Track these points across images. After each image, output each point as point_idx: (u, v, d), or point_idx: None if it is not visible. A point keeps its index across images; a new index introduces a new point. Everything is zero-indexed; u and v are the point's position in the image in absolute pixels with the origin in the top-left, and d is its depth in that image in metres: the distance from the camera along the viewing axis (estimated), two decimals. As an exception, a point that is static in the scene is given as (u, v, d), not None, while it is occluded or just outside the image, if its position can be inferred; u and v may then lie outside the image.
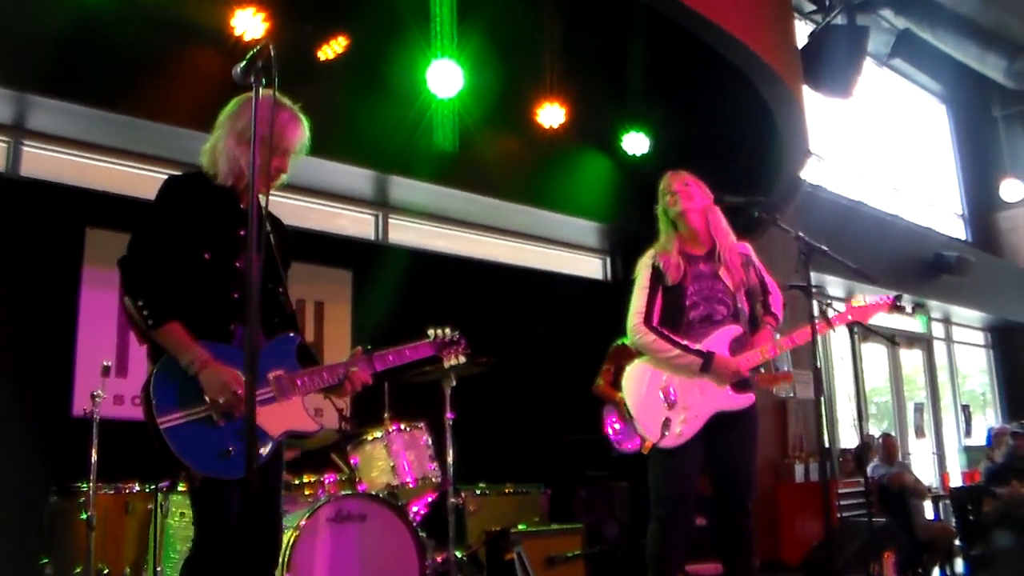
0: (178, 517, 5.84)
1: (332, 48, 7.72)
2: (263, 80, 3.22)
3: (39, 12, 6.72)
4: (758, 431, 5.01)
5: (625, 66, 8.80)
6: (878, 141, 15.84)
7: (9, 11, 6.60)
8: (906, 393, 15.65)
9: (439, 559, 5.87)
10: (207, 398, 3.44)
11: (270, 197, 3.43)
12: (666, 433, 4.71)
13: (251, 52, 3.21)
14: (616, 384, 7.41)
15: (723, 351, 4.85)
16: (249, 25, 7.17)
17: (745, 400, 4.90)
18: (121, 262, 3.61)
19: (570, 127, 8.92)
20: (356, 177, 8.61)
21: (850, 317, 5.13)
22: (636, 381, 4.95)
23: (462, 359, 4.63)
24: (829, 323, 5.11)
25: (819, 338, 5.00)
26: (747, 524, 4.87)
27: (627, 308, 5.08)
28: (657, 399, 4.81)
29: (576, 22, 8.41)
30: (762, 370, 5.52)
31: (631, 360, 5.06)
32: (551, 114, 8.73)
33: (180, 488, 5.78)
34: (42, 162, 7.59)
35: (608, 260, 11.08)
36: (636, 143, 9.47)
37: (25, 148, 7.53)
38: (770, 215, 5.23)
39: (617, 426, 7.56)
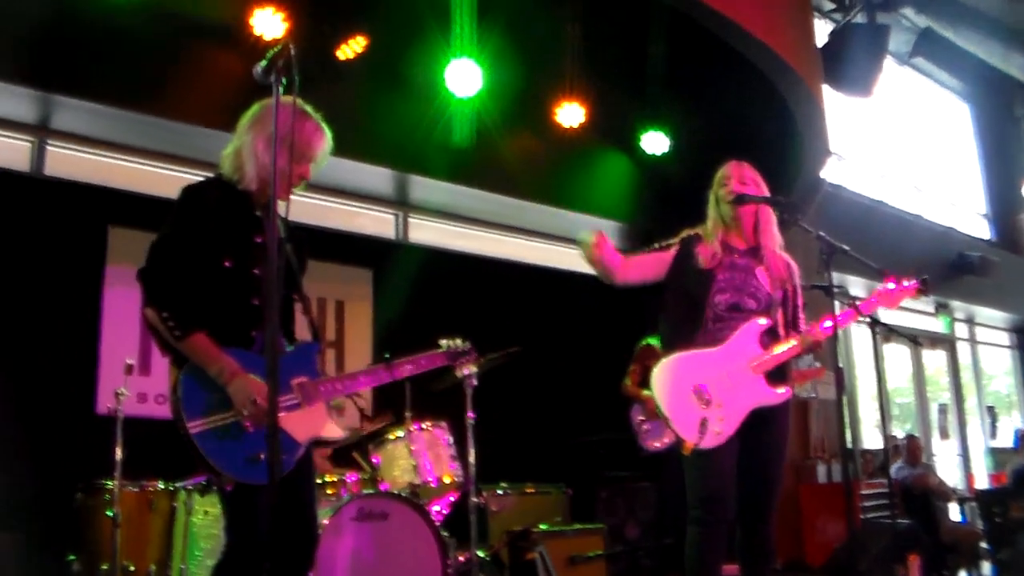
0: (202, 515, 5.86)
1: (351, 47, 7.74)
2: (283, 79, 3.23)
3: (61, 13, 6.77)
4: (790, 434, 4.96)
5: (645, 65, 8.78)
6: (899, 140, 15.76)
7: (32, 12, 6.66)
8: (929, 394, 15.59)
9: (461, 558, 5.88)
10: (236, 405, 3.46)
11: (291, 196, 3.43)
12: (704, 434, 4.63)
13: (271, 52, 3.22)
14: (644, 384, 7.42)
15: (752, 342, 4.79)
16: (268, 25, 7.21)
17: (780, 395, 4.79)
18: (142, 273, 3.61)
19: (589, 126, 8.92)
20: (376, 176, 8.65)
21: (877, 302, 5.05)
22: (665, 382, 4.82)
23: (473, 369, 4.67)
24: (857, 310, 5.02)
25: (840, 338, 4.97)
26: (768, 531, 4.83)
27: (649, 308, 5.07)
28: (690, 398, 4.71)
29: (596, 21, 8.39)
30: (795, 367, 5.44)
31: (657, 360, 4.99)
32: (570, 113, 8.73)
33: (202, 487, 5.81)
34: (66, 161, 7.67)
35: (629, 260, 11.05)
36: (655, 142, 9.45)
37: (49, 148, 7.60)
38: (791, 215, 5.18)
39: (645, 426, 7.54)
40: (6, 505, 6.30)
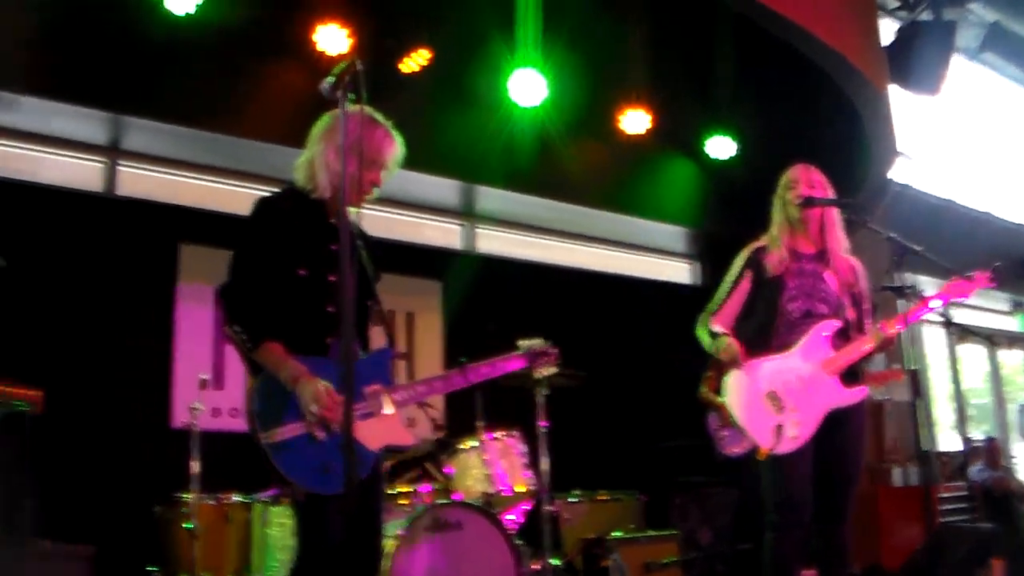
0: (278, 527, 5.91)
1: (415, 60, 7.79)
2: (351, 95, 3.25)
3: (128, 35, 6.89)
4: (867, 435, 4.89)
5: (709, 70, 8.74)
6: (968, 137, 15.51)
7: (100, 34, 6.79)
8: (1007, 394, 15.30)
9: (535, 567, 5.87)
10: (302, 410, 3.48)
11: (358, 211, 3.46)
12: (779, 439, 4.58)
13: (339, 67, 3.24)
14: (719, 390, 7.35)
15: (823, 344, 4.74)
16: (332, 40, 7.30)
17: (855, 395, 4.73)
18: (220, 290, 3.70)
19: (654, 132, 8.93)
20: (442, 187, 8.69)
21: (949, 294, 4.95)
22: (738, 389, 4.81)
23: (553, 369, 4.65)
24: (926, 301, 4.92)
25: (914, 340, 4.88)
26: (845, 534, 4.77)
27: None
28: (764, 405, 4.68)
29: (660, 27, 8.38)
30: (869, 368, 5.36)
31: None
32: (635, 120, 8.75)
33: (278, 499, 5.86)
34: (137, 181, 7.80)
35: (696, 265, 10.99)
36: (721, 147, 9.40)
37: (120, 168, 7.73)
38: (860, 217, 5.14)
39: (723, 432, 7.45)
40: (88, 518, 6.41)
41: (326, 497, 3.42)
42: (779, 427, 4.58)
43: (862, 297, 4.94)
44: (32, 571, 5.42)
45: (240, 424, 6.46)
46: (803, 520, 4.63)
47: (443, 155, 8.10)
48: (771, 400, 4.67)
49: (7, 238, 4.44)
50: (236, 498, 6.19)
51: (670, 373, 8.25)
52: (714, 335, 4.87)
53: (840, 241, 4.95)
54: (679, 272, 11.01)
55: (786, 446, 4.58)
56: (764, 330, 4.81)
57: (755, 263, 4.94)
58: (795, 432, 4.59)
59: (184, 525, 5.96)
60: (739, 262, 5.02)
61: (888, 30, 11.11)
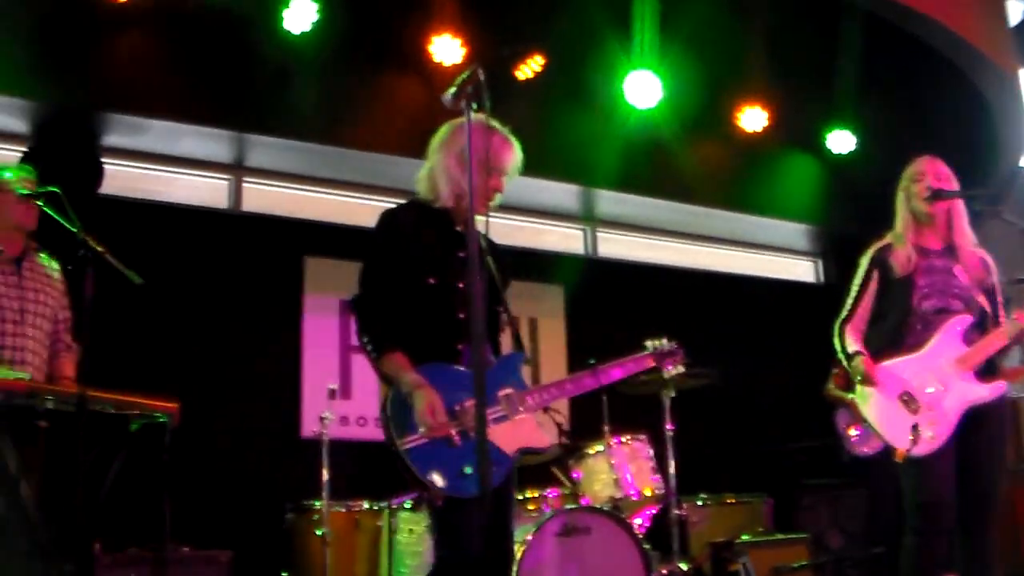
0: (407, 533, 5.98)
1: (529, 67, 7.85)
2: (474, 104, 3.28)
3: (249, 55, 7.10)
4: (1008, 432, 4.75)
5: (828, 63, 8.61)
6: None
7: (222, 56, 7.01)
8: None
9: (664, 571, 5.84)
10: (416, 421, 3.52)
11: (481, 218, 3.48)
12: (916, 440, 4.47)
13: (461, 77, 3.28)
14: (848, 388, 7.23)
15: (957, 340, 4.62)
16: (447, 51, 7.41)
17: (993, 390, 4.57)
18: (351, 303, 3.79)
19: (772, 129, 8.90)
20: (562, 192, 8.70)
21: None
22: (871, 393, 4.72)
23: (680, 368, 4.62)
24: None
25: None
26: (991, 537, 4.62)
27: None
28: (898, 406, 4.58)
29: (778, 22, 8.28)
30: (1007, 364, 5.21)
31: None
32: (753, 117, 8.71)
33: (407, 505, 5.93)
34: (261, 197, 7.99)
35: (819, 263, 10.81)
36: (841, 141, 9.29)
37: (245, 184, 7.92)
38: (991, 208, 5.00)
39: (852, 431, 7.33)
40: (222, 525, 6.56)
41: (464, 501, 3.44)
42: (915, 427, 4.46)
43: (994, 291, 4.81)
44: (173, 574, 5.57)
45: (368, 432, 6.61)
46: (946, 524, 4.48)
47: (561, 160, 8.13)
48: (906, 400, 4.55)
49: (141, 257, 4.56)
50: (365, 505, 6.30)
51: (795, 372, 8.16)
52: (849, 355, 4.78)
53: (968, 235, 4.81)
54: (802, 270, 10.83)
55: (924, 447, 4.45)
56: (897, 330, 4.69)
57: (881, 263, 4.84)
58: (932, 432, 4.47)
59: (315, 532, 6.09)
60: (864, 263, 4.92)
61: (1016, 10, 10.77)
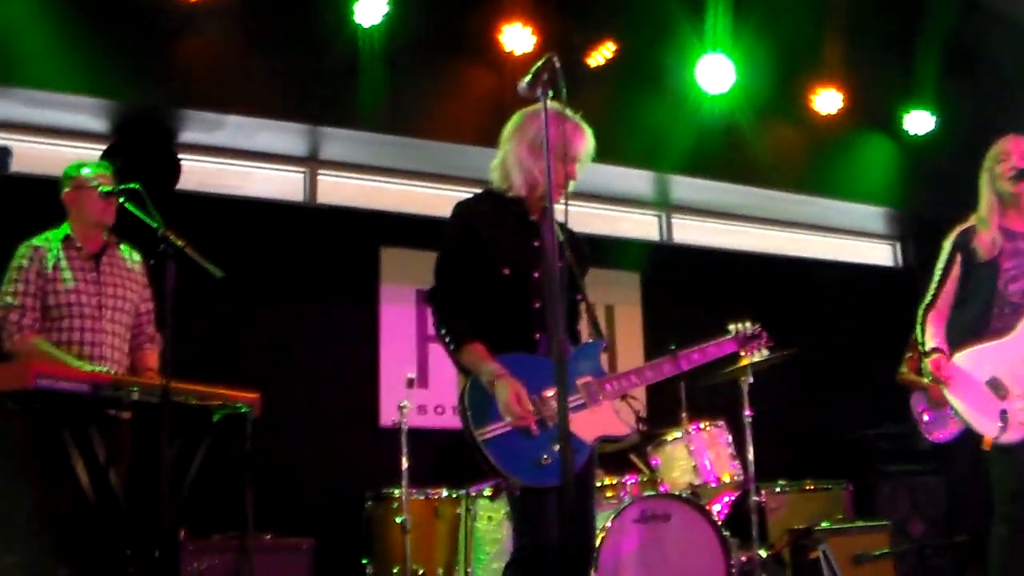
0: (486, 521, 6.01)
1: (601, 53, 7.84)
2: (549, 91, 3.28)
3: (321, 48, 7.19)
4: None
5: (906, 41, 8.49)
6: None
7: (295, 51, 7.11)
8: None
9: (743, 558, 5.81)
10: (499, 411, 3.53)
11: (558, 206, 3.47)
12: (1006, 426, 4.37)
13: (536, 65, 3.28)
14: (922, 372, 7.13)
15: None
16: (518, 40, 7.41)
17: None
18: (427, 295, 3.82)
19: (848, 111, 8.81)
20: (636, 179, 8.66)
21: None
22: (959, 378, 4.61)
23: (764, 353, 4.58)
24: None
25: None
26: None
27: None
28: (985, 392, 4.47)
29: (852, 1, 8.18)
30: None
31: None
32: (828, 99, 8.65)
33: (486, 493, 5.96)
34: (336, 189, 8.07)
35: (898, 246, 10.65)
36: (920, 122, 9.15)
37: (320, 177, 8.00)
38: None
39: (927, 416, 7.24)
40: (303, 513, 6.66)
41: (542, 489, 3.46)
42: (1004, 413, 4.37)
43: None
44: (257, 561, 5.66)
45: (446, 421, 6.66)
46: None
47: (635, 146, 8.09)
48: (994, 386, 4.45)
49: (220, 250, 4.62)
50: (444, 493, 6.35)
51: (874, 357, 8.06)
52: (926, 352, 4.70)
53: None
54: (880, 254, 10.67)
55: (1014, 435, 4.36)
56: (983, 316, 4.59)
57: (964, 246, 4.74)
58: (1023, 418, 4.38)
59: (395, 519, 6.15)
60: (947, 247, 4.82)
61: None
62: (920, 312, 4.80)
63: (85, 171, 4.95)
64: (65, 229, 4.93)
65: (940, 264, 4.81)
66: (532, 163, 3.77)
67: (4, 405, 4.25)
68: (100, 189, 4.82)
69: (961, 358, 4.59)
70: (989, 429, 4.38)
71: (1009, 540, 4.39)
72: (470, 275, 3.74)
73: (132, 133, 7.05)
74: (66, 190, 4.95)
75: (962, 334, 4.64)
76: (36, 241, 4.83)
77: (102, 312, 4.85)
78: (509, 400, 3.47)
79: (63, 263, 4.81)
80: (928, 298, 4.80)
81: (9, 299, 4.65)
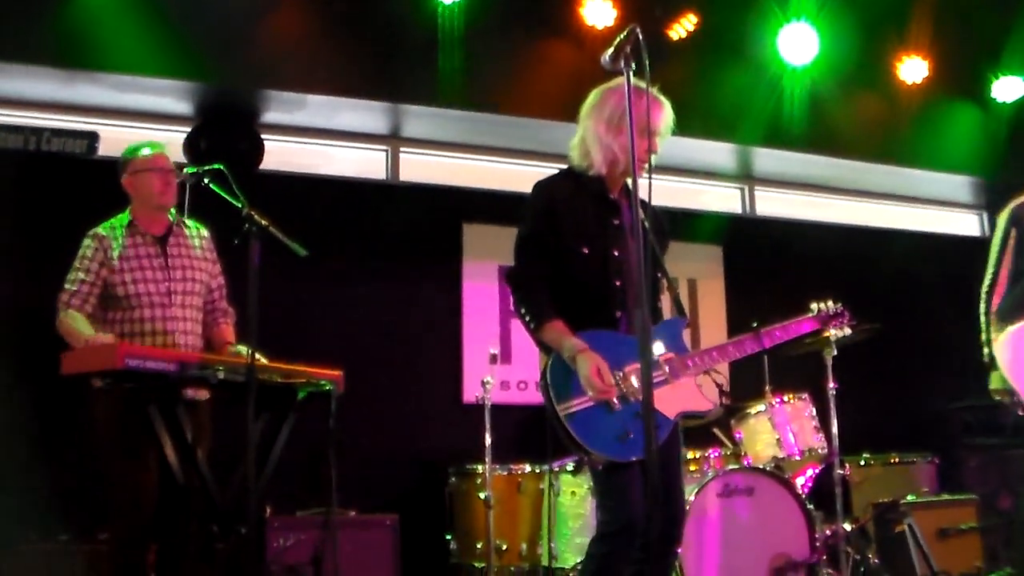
0: (569, 496, 6.04)
1: (683, 26, 7.78)
2: (632, 64, 3.25)
3: (401, 26, 7.25)
4: None
5: (994, 5, 8.29)
6: None
7: (375, 29, 7.19)
8: None
9: (828, 531, 5.77)
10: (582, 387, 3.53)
11: (642, 181, 3.45)
12: None
13: (619, 38, 3.25)
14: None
15: None
16: (598, 14, 7.39)
17: None
18: (507, 275, 3.85)
19: (934, 79, 8.66)
20: (717, 152, 8.61)
21: None
22: (1011, 352, 4.52)
23: (847, 331, 4.55)
24: None
25: None
26: None
27: None
28: None
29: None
30: None
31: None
32: (913, 68, 8.51)
33: (569, 468, 5.98)
34: (418, 166, 8.12)
35: (984, 215, 10.43)
36: (1009, 88, 8.95)
37: (402, 155, 8.06)
38: None
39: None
40: (387, 489, 6.75)
41: (626, 465, 3.48)
42: None
43: None
44: (341, 537, 5.74)
45: (528, 396, 6.68)
46: None
47: (716, 119, 8.04)
48: None
49: (303, 229, 4.66)
50: (527, 468, 6.38)
51: (960, 329, 7.93)
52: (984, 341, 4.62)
53: None
54: (967, 224, 10.47)
55: None
56: None
57: (1019, 220, 4.64)
58: None
59: (478, 495, 6.21)
60: (1001, 223, 4.74)
61: None
62: (983, 295, 4.70)
63: (145, 152, 4.87)
64: (128, 215, 4.88)
65: (996, 241, 4.72)
66: (611, 140, 3.77)
67: (93, 385, 4.34)
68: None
69: (1017, 330, 4.48)
70: None
71: None
72: (550, 254, 3.75)
73: (215, 115, 7.17)
74: (125, 176, 4.88)
75: (1018, 308, 4.54)
76: (101, 230, 4.79)
77: (172, 299, 4.80)
78: (590, 374, 3.48)
79: (129, 252, 4.76)
80: (988, 280, 4.70)
81: (68, 286, 4.65)
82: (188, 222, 5.08)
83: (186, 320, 4.88)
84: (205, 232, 5.13)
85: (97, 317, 4.68)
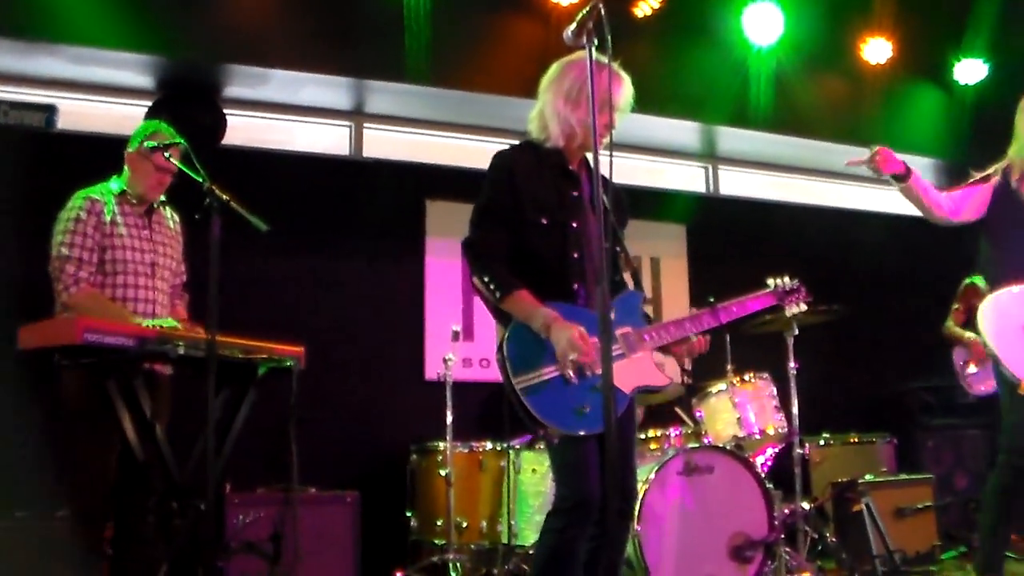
0: (530, 473, 6.07)
1: (648, 4, 7.79)
2: (594, 40, 3.24)
3: (365, 1, 7.21)
4: None
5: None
6: None
7: (339, 3, 7.12)
8: None
9: (786, 510, 5.82)
10: (558, 356, 3.52)
11: (600, 157, 3.43)
12: None
13: (581, 13, 3.24)
14: (968, 325, 7.14)
15: None
16: (562, -10, 7.37)
17: None
18: (464, 244, 3.78)
19: (897, 61, 8.71)
20: (682, 131, 8.62)
21: None
22: (992, 319, 4.52)
23: (803, 307, 4.56)
24: None
25: None
26: None
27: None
28: (1021, 335, 4.44)
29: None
30: None
31: (981, 299, 4.71)
32: (877, 49, 8.57)
33: (536, 446, 6.00)
34: (381, 142, 8.08)
35: (947, 197, 10.49)
36: (970, 71, 9.03)
37: (365, 131, 8.03)
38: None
39: (969, 369, 7.22)
40: (348, 466, 6.74)
41: (581, 439, 3.47)
42: None
43: None
44: (302, 514, 5.73)
45: (490, 374, 6.66)
46: None
47: (681, 97, 8.06)
48: None
49: (265, 205, 4.62)
50: (489, 445, 6.39)
51: (920, 310, 8.00)
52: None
53: None
54: (928, 206, 10.54)
55: None
56: (1020, 255, 4.53)
57: (1006, 176, 4.69)
58: None
59: (439, 472, 6.21)
60: (990, 169, 4.78)
61: None
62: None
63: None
64: (121, 184, 4.89)
65: (976, 176, 4.76)
66: (568, 113, 3.76)
67: (54, 360, 4.31)
68: (145, 145, 4.79)
69: (998, 297, 4.51)
70: (1019, 369, 4.32)
71: (1009, 484, 4.43)
72: (509, 224, 3.73)
73: (177, 89, 7.10)
74: (132, 150, 4.87)
75: (1000, 273, 4.57)
76: (92, 192, 4.78)
77: (155, 270, 4.86)
78: (573, 338, 3.47)
79: (119, 218, 4.78)
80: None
81: (65, 251, 4.60)
82: (166, 207, 5.11)
83: (163, 293, 4.94)
84: (178, 219, 5.18)
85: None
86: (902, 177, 4.54)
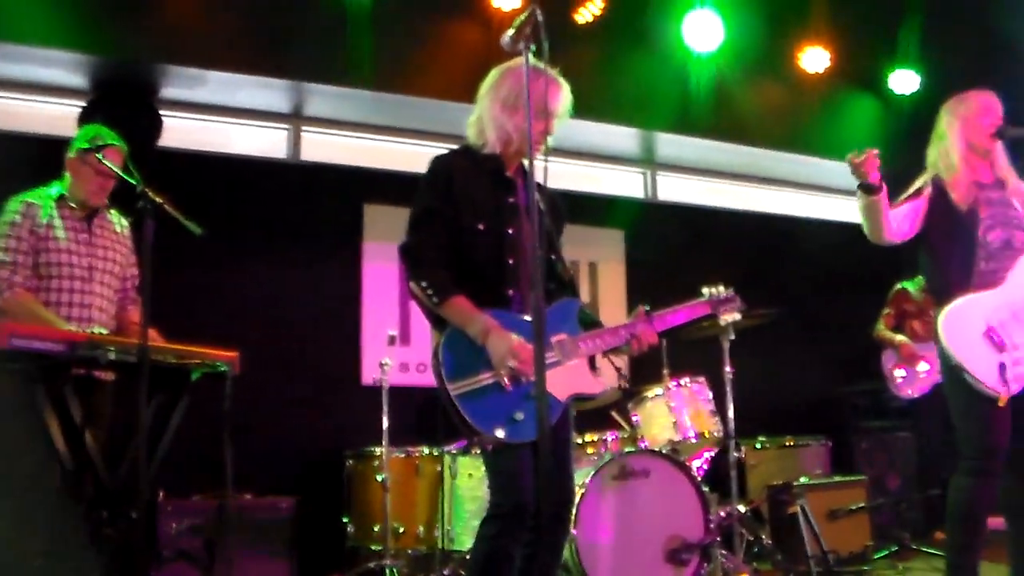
0: (466, 478, 6.06)
1: (589, 10, 7.82)
2: (532, 46, 3.24)
3: (305, 3, 7.14)
4: None
5: (891, 1, 8.44)
6: None
7: (278, 5, 7.07)
8: None
9: (722, 513, 5.86)
10: (494, 363, 3.52)
11: (539, 163, 3.43)
12: (1007, 380, 4.32)
13: (519, 19, 3.24)
14: (897, 329, 7.27)
15: None
16: (504, -4, 7.37)
17: None
18: (402, 248, 3.76)
19: (835, 70, 8.81)
20: (622, 136, 8.65)
21: None
22: (955, 330, 4.51)
23: (737, 316, 4.59)
24: None
25: None
26: None
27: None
28: (983, 344, 4.42)
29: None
30: None
31: (912, 304, 4.76)
32: (815, 58, 8.66)
33: (472, 451, 6.00)
34: (319, 146, 8.03)
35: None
36: (905, 81, 9.15)
37: (304, 134, 7.98)
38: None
39: (897, 372, 7.33)
40: (283, 472, 6.68)
41: (516, 446, 3.47)
42: (1003, 367, 4.34)
43: None
44: (237, 522, 5.68)
45: (427, 379, 6.65)
46: (999, 469, 4.40)
47: (621, 103, 8.10)
48: (989, 339, 4.40)
49: (201, 208, 4.57)
50: (425, 451, 6.37)
51: (855, 315, 8.09)
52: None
53: (1011, 170, 4.71)
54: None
55: (1017, 385, 4.34)
56: (963, 264, 4.51)
57: (938, 186, 4.72)
58: (1018, 370, 4.36)
59: (376, 477, 6.18)
60: (920, 182, 4.82)
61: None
62: None
63: (100, 151, 4.69)
64: (61, 188, 4.85)
65: (909, 192, 4.79)
66: (506, 119, 3.77)
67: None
68: (75, 145, 4.75)
69: (958, 307, 4.53)
70: (996, 383, 4.33)
71: (973, 492, 4.34)
72: (446, 229, 3.71)
73: (112, 89, 7.01)
74: (72, 155, 4.83)
75: (946, 283, 4.60)
76: (29, 197, 4.74)
77: (92, 274, 4.81)
78: (512, 347, 3.48)
79: (56, 222, 4.73)
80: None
81: (0, 255, 4.58)
82: (112, 211, 5.06)
83: (103, 298, 4.88)
84: (126, 223, 5.12)
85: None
86: (875, 189, 4.55)
